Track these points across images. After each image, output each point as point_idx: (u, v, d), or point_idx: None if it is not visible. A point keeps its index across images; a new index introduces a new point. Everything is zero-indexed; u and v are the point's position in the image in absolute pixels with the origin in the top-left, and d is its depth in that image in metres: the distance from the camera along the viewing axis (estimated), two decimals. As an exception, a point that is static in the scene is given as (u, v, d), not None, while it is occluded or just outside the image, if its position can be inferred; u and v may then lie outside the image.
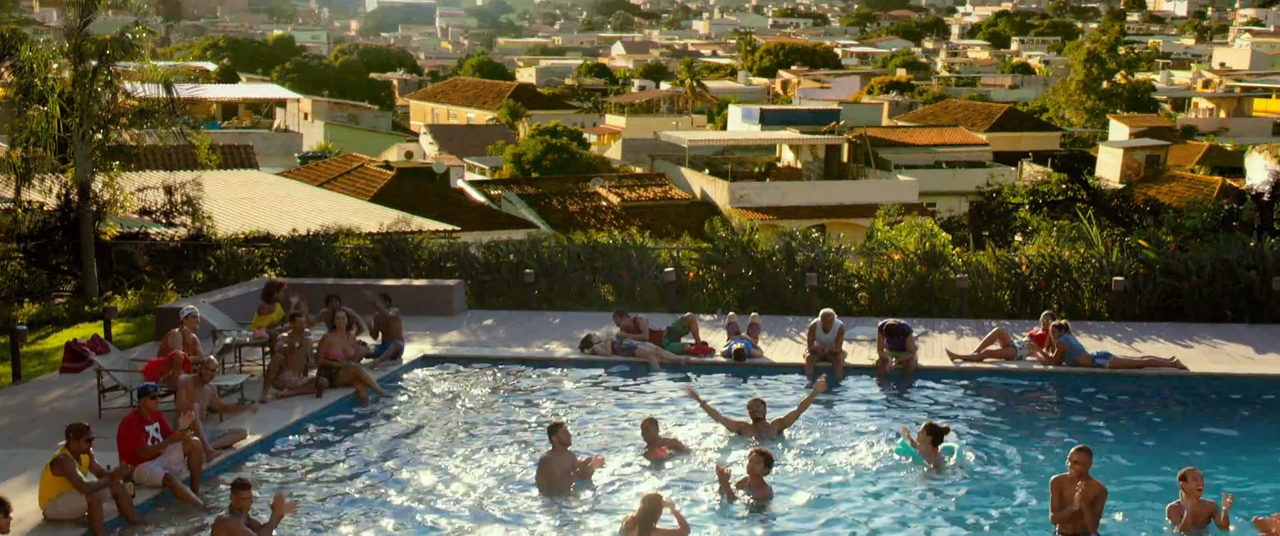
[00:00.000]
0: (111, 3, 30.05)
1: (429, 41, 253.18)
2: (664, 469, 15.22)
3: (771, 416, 16.58)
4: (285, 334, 19.09)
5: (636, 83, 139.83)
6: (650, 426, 15.71)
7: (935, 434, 15.31)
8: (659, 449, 15.50)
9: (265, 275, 26.16)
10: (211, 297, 23.04)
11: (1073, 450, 12.99)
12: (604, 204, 52.75)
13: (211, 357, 16.72)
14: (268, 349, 19.33)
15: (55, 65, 27.41)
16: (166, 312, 21.65)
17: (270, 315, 20.69)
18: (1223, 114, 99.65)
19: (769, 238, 28.05)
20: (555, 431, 14.58)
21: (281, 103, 72.44)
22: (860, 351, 20.78)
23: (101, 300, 26.05)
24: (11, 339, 20.10)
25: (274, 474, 15.16)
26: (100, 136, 27.88)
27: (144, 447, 13.93)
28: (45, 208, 28.89)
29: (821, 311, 20.38)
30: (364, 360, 19.52)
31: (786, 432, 16.54)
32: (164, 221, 30.83)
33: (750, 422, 16.47)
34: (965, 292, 24.46)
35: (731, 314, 22.47)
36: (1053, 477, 13.12)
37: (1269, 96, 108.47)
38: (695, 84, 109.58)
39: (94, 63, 27.28)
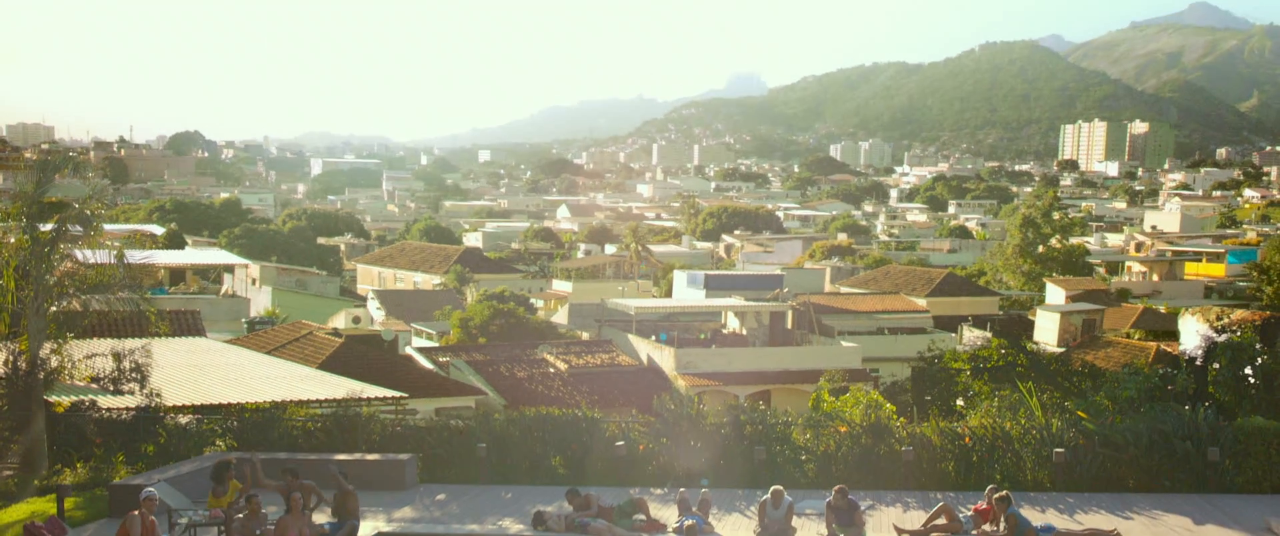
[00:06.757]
0: (67, 171, 30.16)
1: (376, 204, 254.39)
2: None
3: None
4: (241, 514, 19.14)
5: (582, 247, 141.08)
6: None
7: None
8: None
9: (217, 447, 26.09)
10: (165, 473, 23.01)
11: None
12: (552, 370, 53.02)
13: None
14: (223, 529, 19.34)
15: (2, 228, 27.33)
16: (120, 489, 21.60)
17: (225, 496, 20.64)
18: (1155, 277, 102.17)
19: (716, 406, 28.41)
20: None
21: (229, 268, 72.51)
22: (809, 527, 21.08)
23: (51, 473, 25.84)
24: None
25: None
26: (55, 309, 27.83)
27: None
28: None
29: (771, 488, 20.73)
30: (320, 539, 19.55)
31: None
32: (112, 389, 30.59)
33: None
34: (910, 464, 24.90)
35: (682, 489, 22.67)
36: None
37: (1199, 260, 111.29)
38: (640, 249, 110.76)
39: (50, 231, 27.28)
